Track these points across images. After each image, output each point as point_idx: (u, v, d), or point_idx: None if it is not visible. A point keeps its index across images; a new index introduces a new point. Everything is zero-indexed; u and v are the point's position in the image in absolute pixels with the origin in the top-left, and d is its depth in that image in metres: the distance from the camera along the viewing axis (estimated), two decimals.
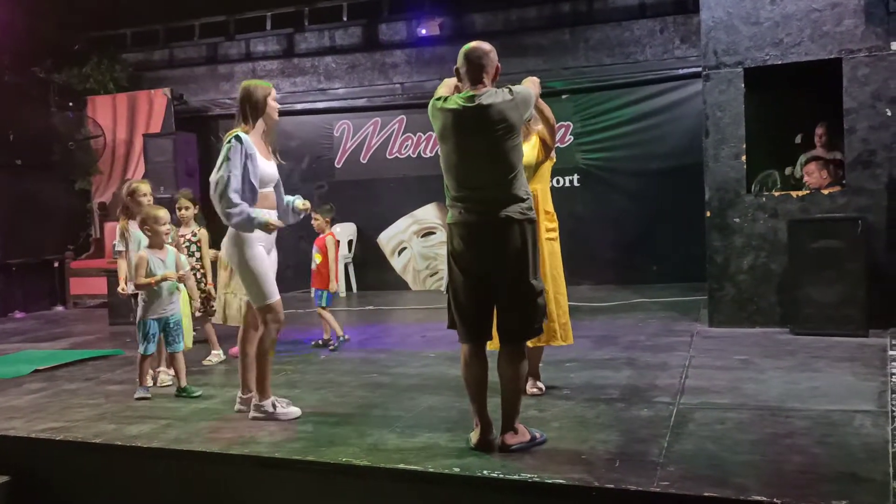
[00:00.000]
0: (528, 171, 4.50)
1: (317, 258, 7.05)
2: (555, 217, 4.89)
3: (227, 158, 4.46)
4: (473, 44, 3.89)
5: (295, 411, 4.64)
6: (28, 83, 11.35)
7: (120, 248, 5.76)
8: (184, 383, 5.40)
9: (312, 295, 7.19)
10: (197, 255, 6.54)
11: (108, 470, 4.34)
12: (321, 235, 7.12)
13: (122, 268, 5.77)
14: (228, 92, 12.03)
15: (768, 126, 7.31)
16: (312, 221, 6.95)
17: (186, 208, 6.59)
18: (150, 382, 5.52)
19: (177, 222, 6.34)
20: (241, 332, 4.86)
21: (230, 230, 4.55)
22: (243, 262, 4.53)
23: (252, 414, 4.63)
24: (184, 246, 6.32)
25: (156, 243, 5.42)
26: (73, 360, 6.89)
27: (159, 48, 12.36)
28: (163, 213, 5.39)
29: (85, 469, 4.41)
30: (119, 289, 5.86)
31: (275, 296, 4.58)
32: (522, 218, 3.73)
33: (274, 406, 4.61)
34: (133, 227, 5.75)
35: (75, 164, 11.74)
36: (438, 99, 3.87)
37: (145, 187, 5.75)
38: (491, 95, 3.74)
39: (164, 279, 5.35)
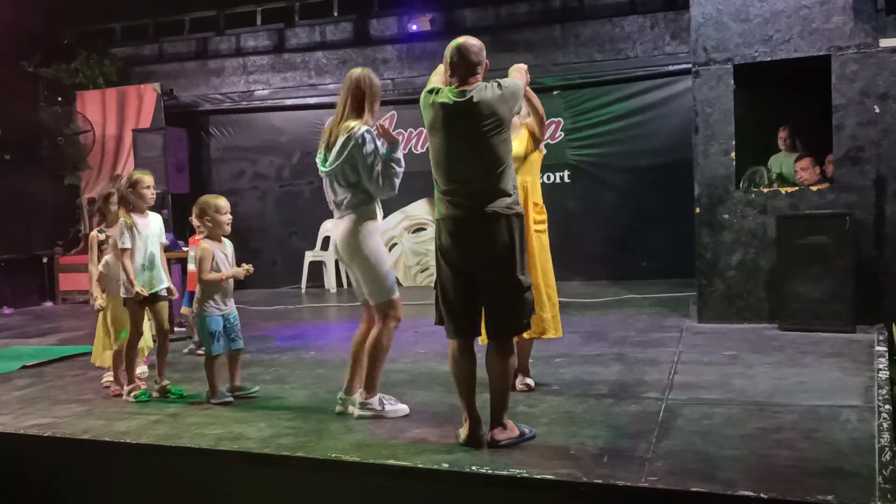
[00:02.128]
0: (517, 162, 4.52)
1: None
2: (544, 209, 4.89)
3: (376, 148, 4.35)
4: (465, 39, 3.89)
5: (403, 408, 4.49)
6: (16, 78, 11.26)
7: (127, 245, 5.08)
8: (238, 382, 5.13)
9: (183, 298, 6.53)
10: None
11: (97, 466, 4.33)
12: (197, 237, 6.19)
13: (130, 268, 5.06)
14: (218, 87, 12.00)
15: (757, 123, 7.35)
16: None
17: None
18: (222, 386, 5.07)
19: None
20: (361, 335, 4.61)
21: (350, 225, 4.36)
22: (367, 257, 4.36)
23: (357, 412, 4.44)
24: None
25: (215, 235, 5.03)
26: (62, 356, 6.87)
27: (149, 43, 12.29)
28: (223, 203, 5.04)
29: (73, 465, 4.40)
30: (124, 292, 5.17)
31: (396, 291, 4.45)
32: (510, 213, 3.74)
33: (381, 403, 4.45)
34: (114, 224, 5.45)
35: (64, 160, 11.68)
36: (431, 91, 3.87)
37: (148, 178, 5.28)
38: (481, 90, 3.75)
39: (235, 276, 5.05)
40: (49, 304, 11.23)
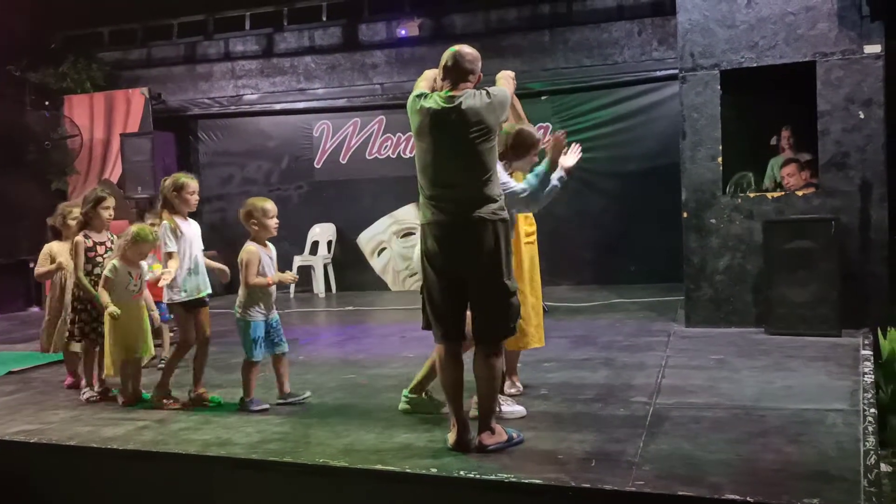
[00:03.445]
0: None
1: (156, 268, 5.63)
2: (533, 221, 4.91)
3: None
4: (462, 46, 3.93)
5: (520, 410, 4.40)
6: (3, 82, 11.22)
7: (173, 248, 4.95)
8: (288, 388, 5.01)
9: (158, 310, 5.83)
10: None
11: (83, 472, 4.31)
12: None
13: (174, 270, 4.92)
14: (207, 91, 11.98)
15: (744, 128, 7.39)
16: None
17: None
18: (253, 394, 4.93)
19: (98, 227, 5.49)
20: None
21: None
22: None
23: (474, 413, 4.17)
24: (105, 256, 5.42)
25: (261, 238, 4.88)
26: (48, 361, 6.82)
27: (137, 47, 12.25)
28: (271, 206, 4.89)
29: (59, 471, 4.37)
30: (166, 298, 5.07)
31: None
32: (495, 218, 3.75)
33: (498, 404, 4.28)
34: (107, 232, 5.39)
35: (51, 164, 11.63)
36: (419, 96, 3.88)
37: (194, 183, 5.12)
38: (469, 97, 3.76)
39: (282, 281, 4.96)
40: (35, 309, 11.16)
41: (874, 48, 6.37)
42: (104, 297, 5.03)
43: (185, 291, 4.99)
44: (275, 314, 4.99)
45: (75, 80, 11.84)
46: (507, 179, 4.18)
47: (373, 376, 5.70)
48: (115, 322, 5.02)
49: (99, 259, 5.38)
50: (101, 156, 11.77)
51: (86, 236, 5.38)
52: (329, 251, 11.26)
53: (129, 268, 5.13)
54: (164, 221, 5.03)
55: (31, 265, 11.15)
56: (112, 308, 4.96)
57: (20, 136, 11.32)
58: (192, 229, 5.12)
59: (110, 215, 5.47)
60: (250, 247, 4.85)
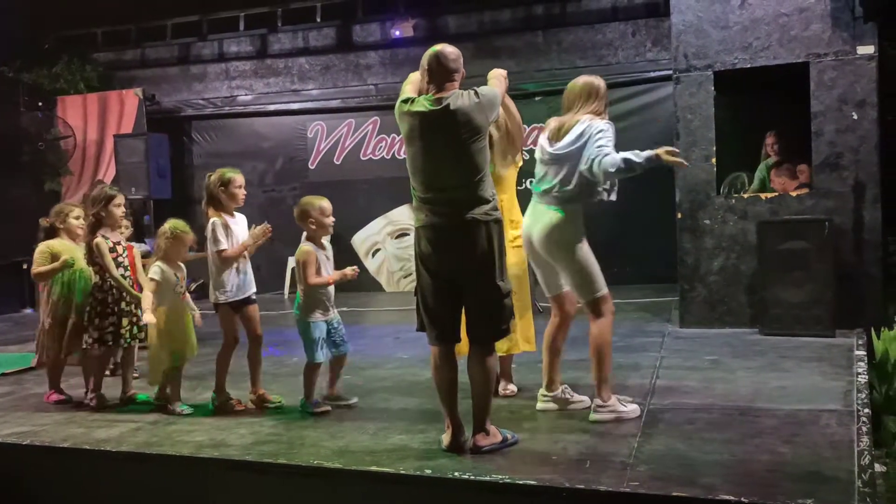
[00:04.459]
0: (493, 180, 4.53)
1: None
2: (520, 225, 4.91)
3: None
4: (443, 46, 3.89)
5: (635, 409, 4.32)
6: None
7: (224, 245, 4.79)
8: (335, 391, 4.91)
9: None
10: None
11: (77, 474, 4.29)
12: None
13: (225, 271, 4.82)
14: (201, 92, 11.96)
15: (738, 129, 7.40)
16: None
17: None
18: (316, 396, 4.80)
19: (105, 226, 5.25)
20: (554, 329, 4.51)
21: (559, 220, 4.24)
22: (577, 253, 4.27)
23: (595, 416, 4.24)
24: (123, 256, 5.24)
25: (318, 237, 4.75)
26: None
27: (131, 48, 12.23)
28: (327, 204, 4.77)
29: (53, 473, 4.36)
30: (213, 298, 4.89)
31: (605, 286, 4.34)
32: (488, 219, 3.74)
33: (621, 403, 4.31)
34: (106, 232, 5.13)
35: (45, 165, 11.58)
36: (405, 101, 3.87)
37: (241, 178, 4.97)
38: (457, 98, 3.75)
39: (342, 279, 4.78)
40: (29, 310, 11.12)
41: (867, 49, 6.39)
42: (147, 301, 4.80)
43: (232, 290, 4.84)
44: (335, 314, 4.84)
45: (69, 80, 11.81)
46: (605, 143, 4.15)
47: (367, 377, 5.69)
48: (165, 327, 4.84)
49: (119, 259, 5.18)
50: (94, 157, 11.74)
51: (103, 237, 5.14)
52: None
53: (174, 268, 4.95)
54: (213, 218, 4.84)
55: (25, 266, 11.19)
56: (149, 316, 4.74)
57: (13, 136, 11.27)
58: (239, 226, 4.95)
59: (122, 213, 5.31)
60: (307, 246, 4.72)
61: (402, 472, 3.62)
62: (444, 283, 3.80)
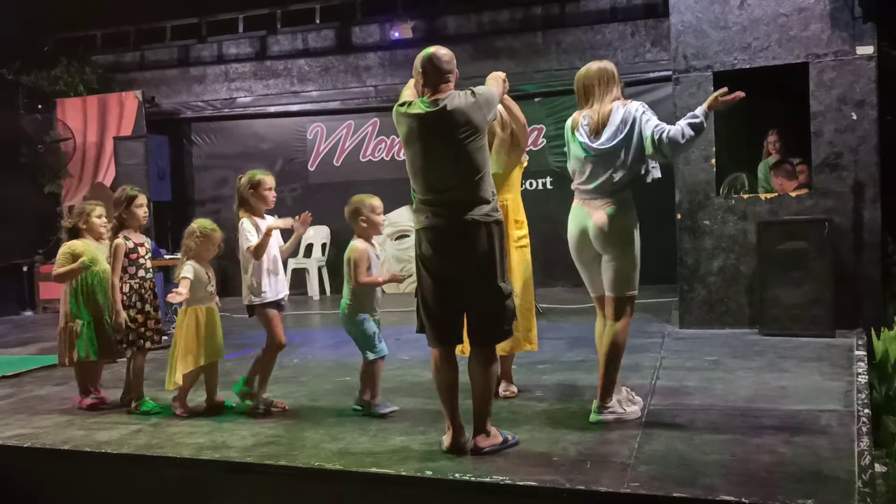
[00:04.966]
0: (498, 180, 4.53)
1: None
2: (525, 225, 4.91)
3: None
4: (436, 48, 3.89)
5: (636, 409, 4.31)
6: None
7: (253, 242, 4.72)
8: (369, 396, 4.73)
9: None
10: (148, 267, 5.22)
11: (78, 476, 4.29)
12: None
13: (259, 272, 4.77)
14: (200, 94, 11.96)
15: (737, 129, 7.40)
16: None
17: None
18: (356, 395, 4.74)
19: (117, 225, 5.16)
20: (602, 329, 4.40)
21: (617, 210, 4.19)
22: (632, 245, 4.25)
23: (596, 417, 4.23)
24: (146, 258, 5.17)
25: (368, 236, 4.69)
26: (42, 365, 6.80)
27: (130, 50, 12.24)
28: (378, 202, 4.76)
29: (54, 476, 4.36)
30: (247, 300, 4.82)
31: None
32: (488, 220, 3.75)
33: (622, 405, 4.28)
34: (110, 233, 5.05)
35: (44, 167, 11.60)
36: (402, 104, 3.88)
37: (271, 179, 4.91)
38: (454, 98, 3.75)
39: (393, 280, 4.85)
40: (29, 312, 11.13)
41: (866, 49, 6.39)
42: (191, 300, 4.78)
43: (267, 291, 4.77)
44: (378, 315, 4.75)
45: (68, 83, 11.82)
46: (655, 119, 4.16)
47: None
48: (195, 328, 4.81)
49: (142, 261, 5.10)
50: (94, 159, 11.75)
51: (125, 238, 5.06)
52: (323, 254, 11.25)
53: (205, 268, 4.91)
54: (243, 219, 4.80)
55: (25, 269, 11.21)
56: (183, 289, 4.67)
57: (13, 139, 11.29)
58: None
59: (145, 213, 5.20)
60: (358, 244, 4.65)
61: (403, 473, 3.62)
62: (445, 284, 3.80)
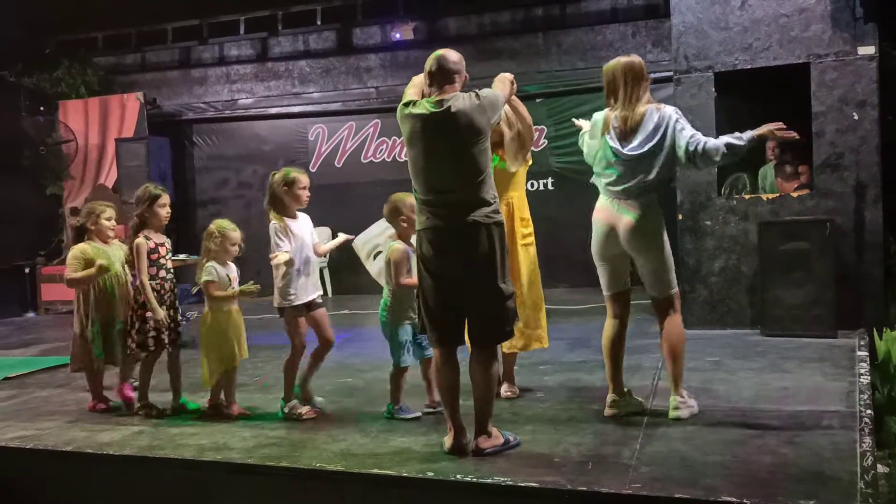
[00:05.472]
0: (503, 178, 4.53)
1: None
2: (530, 223, 4.91)
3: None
4: (445, 50, 3.91)
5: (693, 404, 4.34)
6: None
7: (287, 247, 4.63)
8: (438, 396, 4.44)
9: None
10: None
11: (80, 478, 4.30)
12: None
13: (286, 274, 4.70)
14: (202, 96, 11.98)
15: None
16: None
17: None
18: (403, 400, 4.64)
19: (134, 226, 5.05)
20: (611, 329, 4.50)
21: (645, 211, 4.19)
22: (662, 247, 4.25)
23: (675, 414, 4.24)
24: (167, 258, 5.09)
25: (408, 236, 4.58)
26: (44, 367, 6.81)
27: (131, 52, 12.26)
28: (413, 201, 4.62)
29: (56, 477, 4.37)
30: (276, 302, 4.77)
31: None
32: (489, 221, 3.75)
33: (693, 398, 4.34)
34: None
35: (46, 169, 11.62)
36: (407, 104, 3.88)
37: (305, 178, 4.77)
38: (458, 100, 3.76)
39: None
40: (31, 314, 11.14)
41: (868, 49, 6.39)
42: (214, 301, 4.76)
43: (296, 294, 4.69)
44: (415, 318, 4.48)
45: (70, 84, 11.84)
46: (690, 128, 4.17)
47: (369, 380, 5.70)
48: (216, 330, 4.78)
49: (163, 261, 5.01)
50: (96, 161, 11.77)
51: (146, 238, 4.95)
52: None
53: (226, 269, 4.84)
54: (273, 222, 4.69)
55: (27, 270, 11.22)
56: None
57: (15, 141, 11.31)
58: (302, 227, 4.78)
59: (167, 213, 5.07)
60: (398, 245, 4.58)
61: (405, 474, 3.63)
62: (446, 285, 3.80)
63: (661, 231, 4.28)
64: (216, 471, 3.97)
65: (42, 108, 11.71)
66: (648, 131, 4.18)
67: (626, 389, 4.51)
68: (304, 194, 4.77)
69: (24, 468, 4.43)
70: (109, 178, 11.44)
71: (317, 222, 5.05)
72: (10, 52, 11.28)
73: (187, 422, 4.78)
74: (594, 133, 4.41)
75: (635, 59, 4.35)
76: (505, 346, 4.72)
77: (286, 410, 4.76)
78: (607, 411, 4.42)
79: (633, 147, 4.20)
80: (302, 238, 4.73)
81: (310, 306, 4.78)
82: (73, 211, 11.41)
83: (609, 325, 4.50)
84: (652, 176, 4.20)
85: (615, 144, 4.25)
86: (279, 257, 4.57)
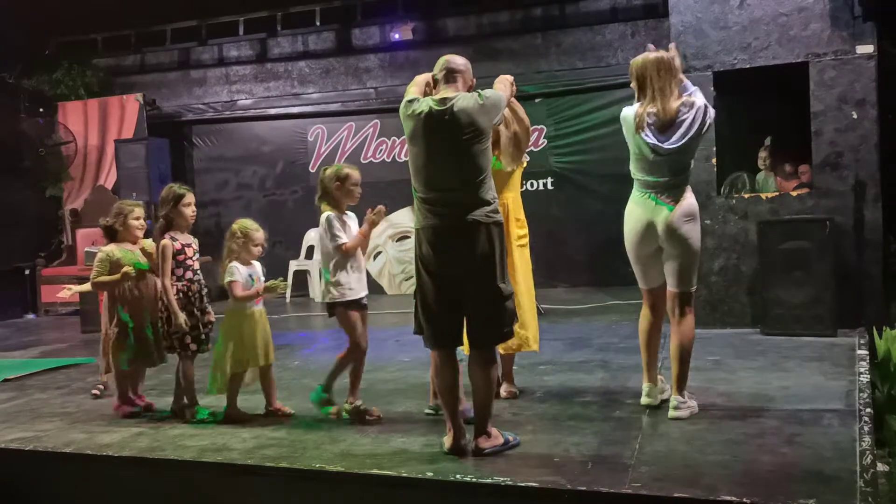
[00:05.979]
0: (499, 179, 4.53)
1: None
2: (525, 224, 4.91)
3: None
4: (452, 55, 3.98)
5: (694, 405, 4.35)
6: None
7: (343, 239, 4.58)
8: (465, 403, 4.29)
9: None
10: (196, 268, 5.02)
11: (79, 479, 4.30)
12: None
13: (348, 268, 4.63)
14: (201, 97, 11.98)
15: (738, 129, 7.40)
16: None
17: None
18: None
19: (161, 226, 4.95)
20: (647, 321, 4.52)
21: (685, 202, 4.26)
22: (696, 242, 4.30)
23: (674, 413, 4.23)
24: (194, 259, 4.97)
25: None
26: (45, 368, 6.81)
27: (131, 53, 12.26)
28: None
29: (56, 479, 4.36)
30: (327, 298, 4.71)
31: None
32: (489, 221, 3.75)
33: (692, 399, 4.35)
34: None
35: (46, 171, 11.62)
36: (410, 101, 3.89)
37: (358, 174, 4.76)
38: (461, 99, 3.77)
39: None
40: (31, 316, 11.14)
41: (867, 48, 6.38)
42: (238, 302, 4.69)
43: (353, 288, 4.62)
44: None
45: (69, 86, 11.84)
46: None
47: (369, 381, 5.66)
48: (238, 332, 4.71)
49: (189, 262, 4.90)
50: (95, 162, 11.78)
51: (172, 238, 4.86)
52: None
53: (249, 269, 4.77)
54: (326, 213, 4.65)
55: (27, 272, 11.22)
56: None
57: (15, 142, 11.31)
58: (352, 224, 4.75)
59: (193, 212, 4.96)
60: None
61: (404, 474, 3.62)
62: (445, 285, 3.80)
63: (698, 219, 4.34)
64: (216, 472, 3.97)
65: (41, 110, 11.71)
66: (686, 126, 4.22)
67: (660, 378, 4.56)
68: (357, 191, 4.75)
69: (24, 470, 4.42)
70: (109, 179, 11.44)
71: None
72: (10, 54, 11.28)
73: (187, 423, 4.77)
74: (626, 130, 4.44)
75: (665, 54, 4.38)
76: (501, 348, 4.72)
77: (349, 409, 4.63)
78: (644, 400, 4.48)
79: (673, 141, 4.24)
80: (353, 233, 4.70)
81: (357, 305, 4.71)
82: (72, 213, 11.44)
83: (645, 317, 4.55)
84: (689, 168, 4.32)
85: (653, 140, 4.27)
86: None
